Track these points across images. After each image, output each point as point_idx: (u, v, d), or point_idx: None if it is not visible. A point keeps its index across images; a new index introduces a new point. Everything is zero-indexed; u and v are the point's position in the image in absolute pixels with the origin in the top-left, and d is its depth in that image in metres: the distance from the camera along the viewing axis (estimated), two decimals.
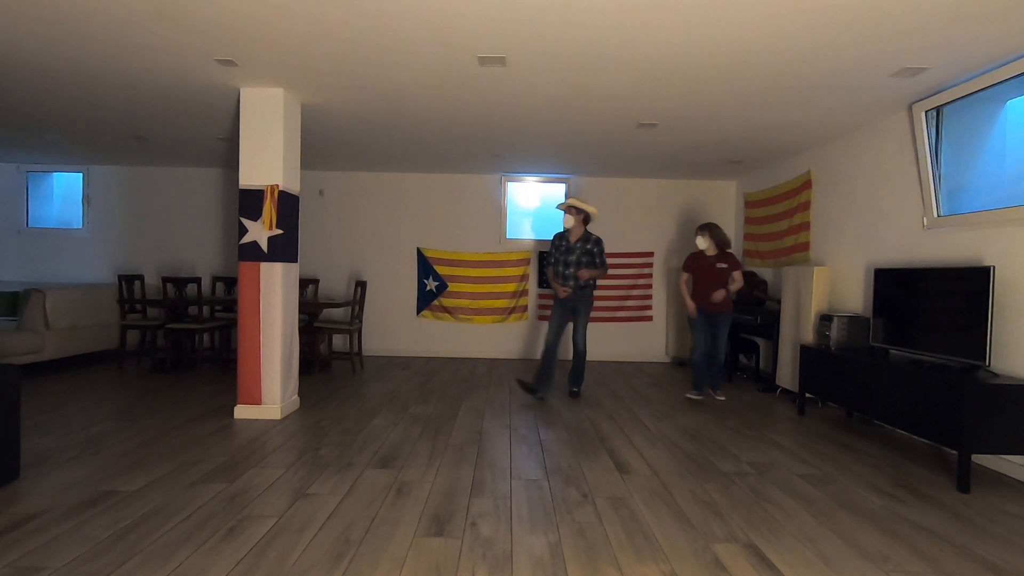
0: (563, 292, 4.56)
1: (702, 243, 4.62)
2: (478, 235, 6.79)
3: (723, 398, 4.72)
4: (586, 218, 4.65)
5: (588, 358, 6.71)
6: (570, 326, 4.72)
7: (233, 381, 5.04)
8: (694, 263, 4.70)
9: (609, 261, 6.66)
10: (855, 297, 4.47)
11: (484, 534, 2.26)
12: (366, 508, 2.48)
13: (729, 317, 4.64)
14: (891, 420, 3.37)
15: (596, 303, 6.70)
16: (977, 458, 3.25)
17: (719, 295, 4.48)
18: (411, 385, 5.14)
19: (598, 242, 4.67)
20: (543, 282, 6.78)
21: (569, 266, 4.61)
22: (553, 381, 4.85)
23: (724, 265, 4.56)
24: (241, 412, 3.89)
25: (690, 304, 4.64)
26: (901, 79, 3.38)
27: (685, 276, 4.75)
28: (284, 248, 3.93)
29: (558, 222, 6.83)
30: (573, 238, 4.64)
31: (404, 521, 2.36)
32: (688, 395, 4.73)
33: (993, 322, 3.06)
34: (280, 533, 2.23)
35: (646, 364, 6.66)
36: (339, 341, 6.66)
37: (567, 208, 4.64)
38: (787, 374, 4.89)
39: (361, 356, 5.98)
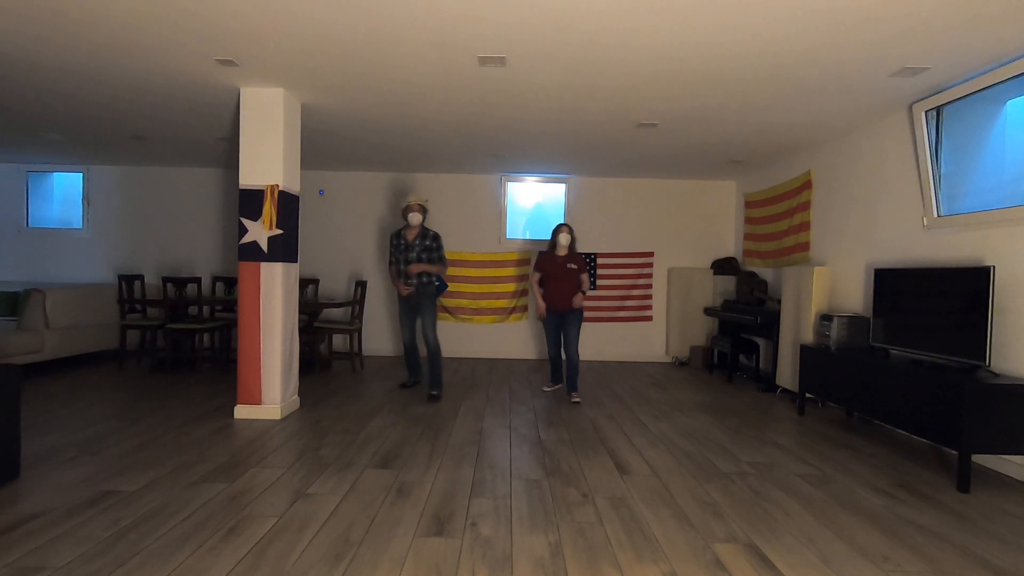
0: (405, 291, 4.46)
1: (565, 241, 4.61)
2: (478, 235, 6.79)
3: (578, 400, 4.60)
4: (425, 210, 4.58)
5: (587, 358, 6.76)
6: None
7: (233, 381, 5.04)
8: (546, 263, 4.66)
9: (609, 261, 6.72)
10: (855, 297, 4.47)
11: (484, 534, 2.26)
12: (366, 508, 2.48)
13: (580, 316, 4.65)
14: (891, 420, 3.37)
15: (597, 303, 6.73)
16: (977, 458, 3.25)
17: (579, 299, 4.55)
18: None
19: (436, 237, 4.55)
20: (544, 282, 6.77)
21: (409, 263, 4.51)
22: (421, 370, 4.94)
23: (574, 266, 4.60)
24: (241, 412, 3.89)
25: (541, 305, 4.62)
26: (901, 79, 3.38)
27: (537, 276, 4.69)
28: (284, 248, 3.93)
29: (559, 222, 6.84)
30: (412, 235, 4.51)
31: (404, 521, 2.36)
32: (545, 388, 4.99)
33: (993, 322, 3.06)
34: (280, 533, 2.23)
35: (646, 364, 6.66)
36: (339, 341, 6.65)
37: (417, 207, 4.49)
38: (787, 374, 4.89)
39: (361, 356, 5.98)
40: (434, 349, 4.58)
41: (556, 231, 4.69)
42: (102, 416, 3.86)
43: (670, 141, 5.01)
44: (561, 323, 4.67)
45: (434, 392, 4.59)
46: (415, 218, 4.49)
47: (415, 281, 4.50)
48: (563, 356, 4.76)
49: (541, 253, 4.79)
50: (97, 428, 3.58)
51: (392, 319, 6.81)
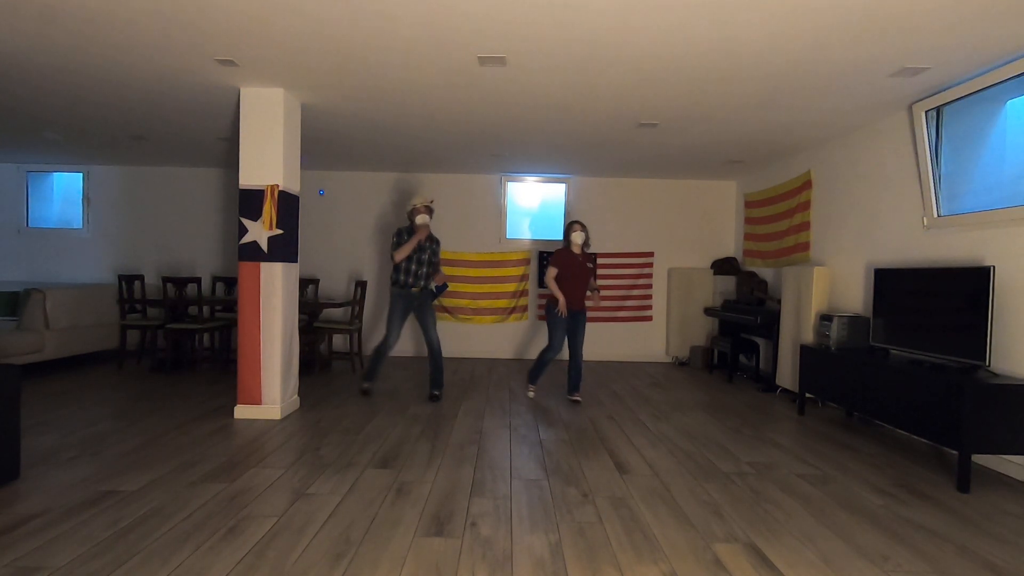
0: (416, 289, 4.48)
1: (579, 239, 4.52)
2: (478, 235, 6.79)
3: (579, 399, 4.61)
4: (432, 212, 4.56)
5: (587, 358, 6.76)
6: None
7: (233, 381, 5.04)
8: (565, 260, 4.51)
9: (609, 261, 6.73)
10: (855, 297, 4.47)
11: (484, 534, 2.26)
12: (366, 508, 2.48)
13: (585, 314, 4.64)
14: (891, 420, 3.36)
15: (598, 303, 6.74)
16: (977, 458, 3.25)
17: (598, 297, 4.61)
18: (411, 385, 5.13)
19: (438, 242, 4.64)
20: (543, 282, 6.77)
21: (423, 265, 4.48)
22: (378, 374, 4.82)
23: (591, 265, 4.55)
24: (241, 412, 3.89)
25: (563, 302, 4.46)
26: (901, 79, 3.38)
27: (555, 272, 4.49)
28: (284, 248, 3.92)
29: (558, 222, 6.86)
30: (424, 236, 4.48)
31: (404, 521, 2.36)
32: (530, 393, 4.79)
33: (993, 322, 3.06)
34: (280, 533, 2.23)
35: (646, 364, 6.66)
36: (339, 341, 6.66)
37: (425, 208, 4.46)
38: (787, 374, 4.89)
39: (361, 356, 5.98)
40: (438, 350, 4.58)
41: (570, 229, 4.57)
42: (102, 416, 3.86)
43: (670, 141, 5.01)
44: (572, 323, 4.57)
45: (436, 392, 4.60)
46: (424, 219, 4.46)
47: (424, 284, 4.52)
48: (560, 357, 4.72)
49: (557, 250, 4.63)
50: (97, 428, 3.58)
51: None
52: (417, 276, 4.47)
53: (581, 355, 4.63)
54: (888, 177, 4.16)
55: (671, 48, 3.03)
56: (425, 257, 4.49)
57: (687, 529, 2.34)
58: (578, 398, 4.60)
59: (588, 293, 4.63)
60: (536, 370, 4.68)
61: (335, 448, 3.30)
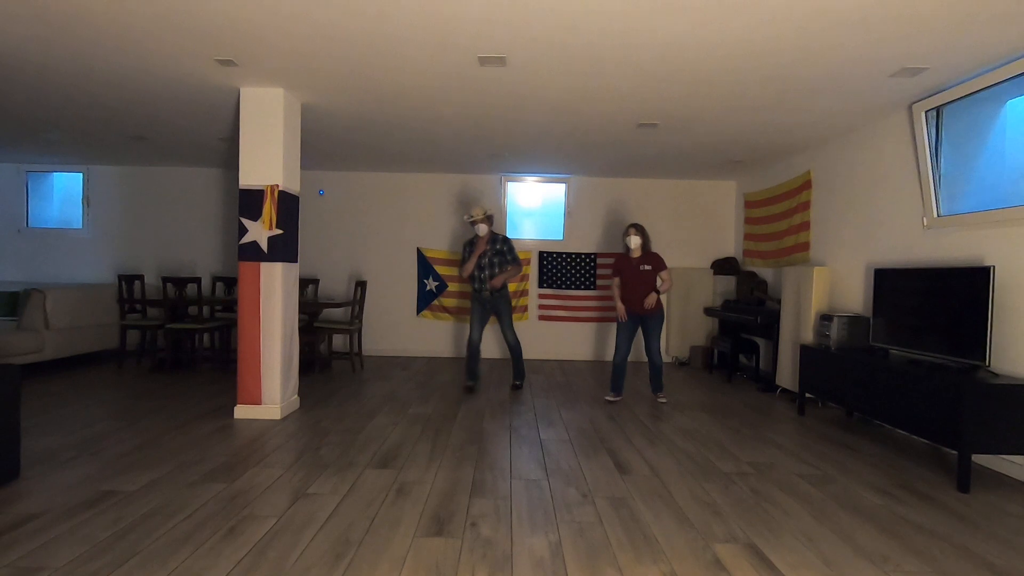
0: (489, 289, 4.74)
1: (634, 243, 4.56)
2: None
3: (665, 400, 4.64)
4: (490, 219, 4.80)
5: (587, 358, 6.77)
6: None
7: (233, 381, 5.04)
8: (622, 265, 4.64)
9: (609, 261, 6.72)
10: (855, 297, 4.47)
11: (484, 534, 2.26)
12: (366, 508, 2.48)
13: (660, 318, 4.60)
14: (891, 420, 3.36)
15: (597, 303, 6.73)
16: (977, 458, 3.25)
17: (652, 300, 4.50)
18: (411, 385, 5.14)
19: (506, 240, 4.80)
20: (543, 282, 6.78)
21: (483, 269, 4.73)
22: (479, 374, 5.15)
23: (648, 267, 4.56)
24: (241, 412, 3.89)
25: (620, 309, 4.55)
26: (901, 79, 3.38)
27: (616, 280, 4.66)
28: (284, 248, 3.93)
29: (558, 222, 6.86)
30: (483, 247, 4.72)
31: (404, 521, 2.36)
32: (607, 397, 4.69)
33: (993, 322, 3.06)
34: (280, 533, 2.23)
35: (646, 364, 6.65)
36: (339, 341, 6.66)
37: (482, 219, 4.70)
38: (787, 374, 4.89)
39: (361, 356, 5.98)
40: (515, 346, 4.93)
41: (624, 233, 4.64)
42: (102, 416, 3.86)
43: (670, 141, 5.01)
44: (639, 326, 4.62)
45: (518, 383, 5.05)
46: (482, 229, 4.72)
47: (489, 288, 4.76)
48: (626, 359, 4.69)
49: (618, 255, 4.75)
50: (97, 428, 3.58)
51: (391, 319, 6.82)
52: (482, 281, 4.73)
53: (657, 357, 4.63)
54: (888, 177, 4.16)
55: (671, 48, 3.03)
56: (485, 262, 4.72)
57: (687, 529, 2.34)
58: (663, 399, 4.64)
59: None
60: (613, 379, 4.65)
61: (335, 448, 3.30)
